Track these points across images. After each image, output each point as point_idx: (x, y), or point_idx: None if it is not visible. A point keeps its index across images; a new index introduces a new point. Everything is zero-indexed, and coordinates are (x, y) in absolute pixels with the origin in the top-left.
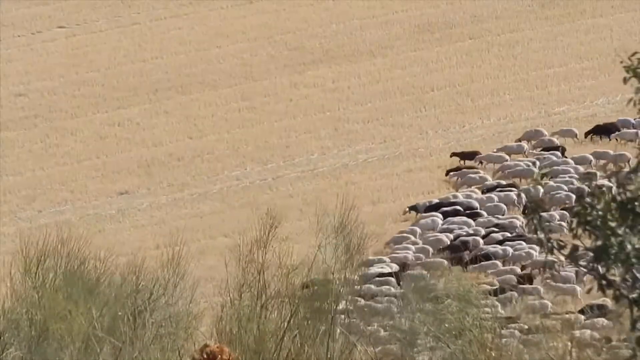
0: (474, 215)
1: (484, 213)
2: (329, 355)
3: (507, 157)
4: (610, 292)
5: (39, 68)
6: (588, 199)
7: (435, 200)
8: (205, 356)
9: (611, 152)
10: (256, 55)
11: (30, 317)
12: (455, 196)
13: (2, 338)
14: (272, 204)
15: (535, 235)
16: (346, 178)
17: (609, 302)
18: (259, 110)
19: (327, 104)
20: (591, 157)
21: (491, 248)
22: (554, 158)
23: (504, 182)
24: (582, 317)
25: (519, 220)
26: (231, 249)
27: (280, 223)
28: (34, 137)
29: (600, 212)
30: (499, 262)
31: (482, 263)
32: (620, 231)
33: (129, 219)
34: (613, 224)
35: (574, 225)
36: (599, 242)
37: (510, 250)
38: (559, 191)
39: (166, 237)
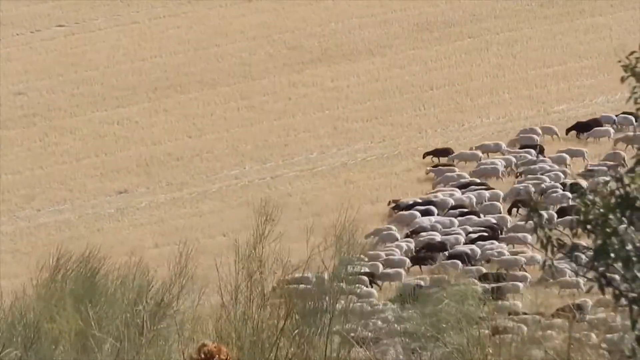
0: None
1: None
2: (326, 355)
3: (480, 154)
4: (610, 291)
5: (38, 67)
6: (590, 196)
7: (415, 199)
8: (202, 355)
9: (585, 150)
10: (255, 54)
11: (25, 317)
12: (435, 195)
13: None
14: (271, 203)
15: (535, 234)
16: (345, 177)
17: (588, 302)
18: (258, 109)
19: (326, 103)
20: (567, 156)
21: (459, 248)
22: (529, 157)
23: (477, 180)
24: (541, 318)
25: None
26: (228, 248)
27: (276, 218)
28: (33, 135)
29: (601, 210)
30: (459, 262)
31: (443, 262)
32: (620, 229)
33: (128, 218)
34: (614, 222)
35: (573, 223)
36: (599, 241)
37: (478, 250)
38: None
39: (165, 236)
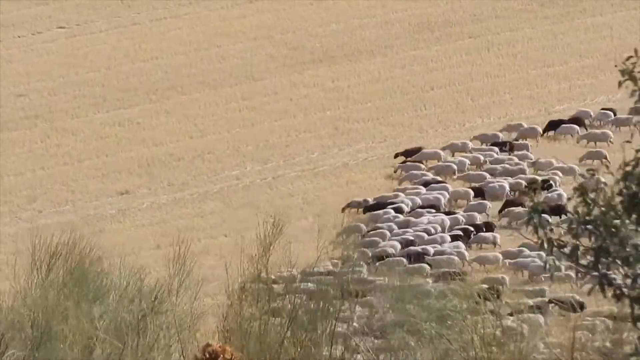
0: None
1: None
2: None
3: (442, 154)
4: (611, 290)
5: (39, 68)
6: (591, 195)
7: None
8: (207, 355)
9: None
10: (256, 54)
11: (33, 317)
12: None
13: (3, 338)
14: (272, 203)
15: (536, 234)
16: (346, 177)
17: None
18: (259, 109)
19: (327, 103)
20: (531, 155)
21: (412, 248)
22: (495, 155)
23: (439, 178)
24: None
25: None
26: (232, 251)
27: (284, 227)
28: (35, 137)
29: (602, 209)
30: (405, 260)
31: (387, 259)
32: (623, 228)
33: (130, 219)
34: (616, 221)
35: (573, 224)
36: (600, 241)
37: (431, 250)
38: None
39: (167, 237)
